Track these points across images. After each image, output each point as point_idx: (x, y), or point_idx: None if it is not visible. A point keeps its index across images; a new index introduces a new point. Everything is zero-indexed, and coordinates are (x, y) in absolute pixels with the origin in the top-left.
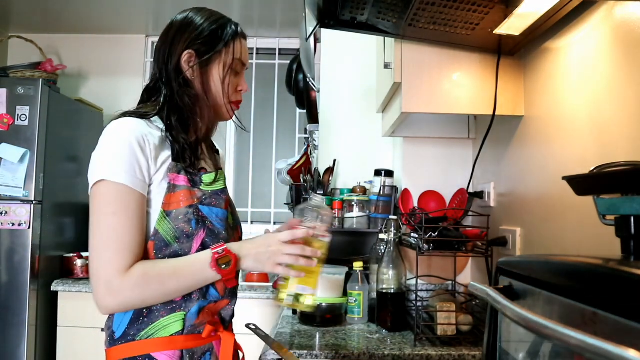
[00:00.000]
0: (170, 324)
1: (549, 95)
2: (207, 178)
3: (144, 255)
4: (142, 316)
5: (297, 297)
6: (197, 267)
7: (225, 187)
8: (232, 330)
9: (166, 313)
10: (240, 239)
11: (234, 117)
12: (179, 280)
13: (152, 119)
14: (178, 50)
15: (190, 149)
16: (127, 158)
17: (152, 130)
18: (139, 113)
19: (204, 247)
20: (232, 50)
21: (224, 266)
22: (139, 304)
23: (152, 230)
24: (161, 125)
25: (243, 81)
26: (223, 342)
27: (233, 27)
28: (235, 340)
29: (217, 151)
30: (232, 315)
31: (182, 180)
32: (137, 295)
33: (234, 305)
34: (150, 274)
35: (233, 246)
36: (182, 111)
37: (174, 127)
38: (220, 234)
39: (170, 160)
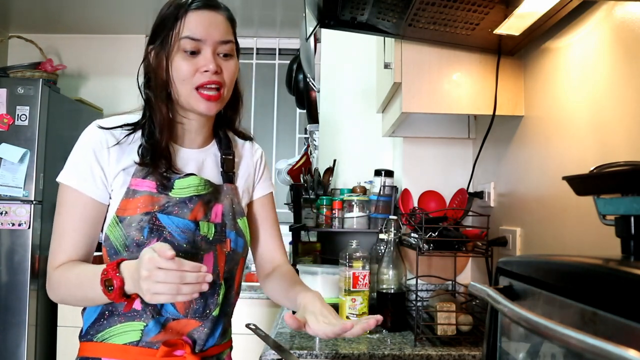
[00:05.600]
0: (127, 332)
1: (549, 95)
2: (178, 183)
3: (101, 261)
4: (103, 318)
5: None
6: (95, 282)
7: (202, 195)
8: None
9: (125, 320)
10: (227, 254)
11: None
12: (85, 291)
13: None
14: (146, 50)
15: (161, 151)
16: (80, 163)
17: (122, 133)
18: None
19: None
20: (179, 28)
21: (110, 288)
22: (64, 302)
23: (103, 235)
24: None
25: (206, 59)
26: None
27: (184, 1)
28: None
29: (229, 153)
30: (210, 340)
31: (145, 185)
32: (56, 295)
33: (212, 330)
34: (61, 279)
35: (123, 265)
36: (153, 112)
37: (145, 129)
38: (180, 247)
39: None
